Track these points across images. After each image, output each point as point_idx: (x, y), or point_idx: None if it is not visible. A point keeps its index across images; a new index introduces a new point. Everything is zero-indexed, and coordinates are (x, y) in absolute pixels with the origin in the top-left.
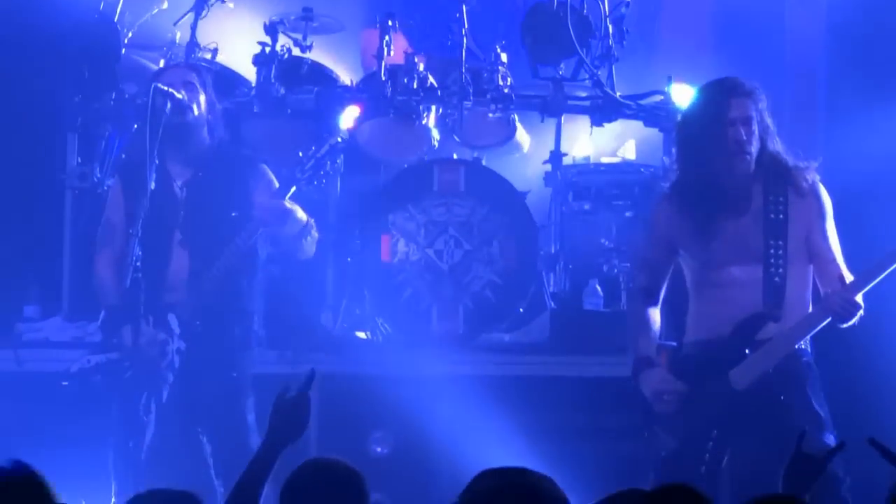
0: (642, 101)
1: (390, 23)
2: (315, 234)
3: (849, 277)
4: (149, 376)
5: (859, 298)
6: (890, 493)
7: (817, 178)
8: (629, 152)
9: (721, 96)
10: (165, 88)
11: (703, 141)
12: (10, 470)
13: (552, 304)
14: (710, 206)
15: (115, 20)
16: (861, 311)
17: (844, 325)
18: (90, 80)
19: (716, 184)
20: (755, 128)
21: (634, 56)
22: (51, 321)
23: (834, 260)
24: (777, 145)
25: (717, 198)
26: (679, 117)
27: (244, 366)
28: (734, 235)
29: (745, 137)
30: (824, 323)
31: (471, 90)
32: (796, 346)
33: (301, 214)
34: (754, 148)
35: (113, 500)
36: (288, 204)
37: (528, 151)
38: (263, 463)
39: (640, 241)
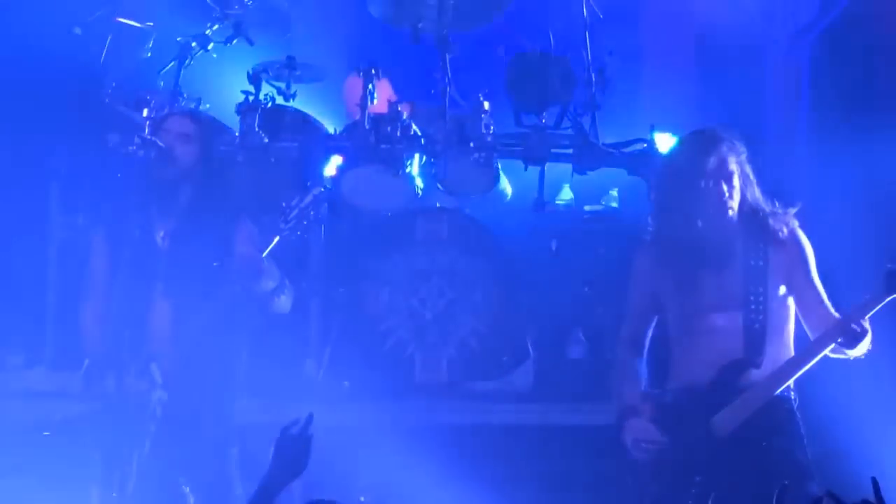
0: (625, 150)
1: (373, 71)
2: (289, 293)
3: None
4: (131, 427)
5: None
6: None
7: (796, 224)
8: (613, 200)
9: (701, 149)
10: (151, 139)
11: (684, 195)
12: None
13: (533, 352)
14: (691, 259)
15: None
16: (867, 338)
17: (852, 354)
18: (73, 130)
19: (697, 237)
20: (736, 182)
21: (617, 104)
22: (34, 371)
23: (822, 302)
24: (756, 194)
25: (699, 251)
26: (659, 169)
27: (228, 416)
28: (715, 285)
29: (726, 192)
30: (816, 360)
31: (454, 139)
32: (780, 392)
33: (275, 274)
34: (735, 202)
35: None
36: (265, 262)
37: (511, 199)
38: (264, 499)
39: (625, 291)
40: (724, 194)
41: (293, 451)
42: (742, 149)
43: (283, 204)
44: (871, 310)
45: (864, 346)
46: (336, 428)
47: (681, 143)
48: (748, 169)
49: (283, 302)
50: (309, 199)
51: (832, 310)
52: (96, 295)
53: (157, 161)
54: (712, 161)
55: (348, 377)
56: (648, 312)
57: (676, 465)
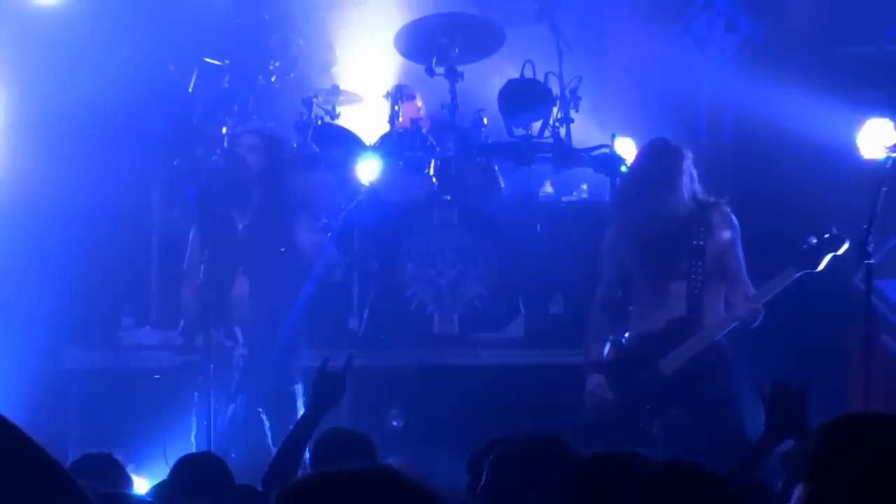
0: (592, 153)
1: (400, 95)
2: (339, 266)
3: (752, 291)
4: (220, 373)
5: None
6: (783, 456)
7: (728, 211)
8: (583, 192)
9: (658, 154)
10: (228, 151)
11: (645, 191)
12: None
13: (524, 309)
14: (649, 239)
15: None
16: (761, 316)
17: (749, 328)
18: (169, 144)
19: (654, 223)
20: (684, 179)
21: (586, 117)
22: (143, 329)
23: (742, 278)
24: (698, 188)
25: (655, 233)
26: (624, 169)
27: (292, 362)
28: (667, 260)
29: (676, 188)
30: (732, 326)
31: (461, 147)
32: (712, 341)
33: (330, 250)
34: (683, 195)
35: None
36: (321, 241)
37: (505, 192)
38: (307, 424)
39: (593, 262)
40: (674, 190)
41: (327, 387)
42: (687, 153)
43: (338, 206)
44: (770, 293)
45: (756, 321)
46: (374, 368)
47: (642, 150)
48: (692, 169)
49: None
50: (353, 204)
51: (749, 285)
52: (194, 276)
53: (233, 168)
54: (666, 164)
55: (382, 331)
56: (616, 279)
57: (631, 396)
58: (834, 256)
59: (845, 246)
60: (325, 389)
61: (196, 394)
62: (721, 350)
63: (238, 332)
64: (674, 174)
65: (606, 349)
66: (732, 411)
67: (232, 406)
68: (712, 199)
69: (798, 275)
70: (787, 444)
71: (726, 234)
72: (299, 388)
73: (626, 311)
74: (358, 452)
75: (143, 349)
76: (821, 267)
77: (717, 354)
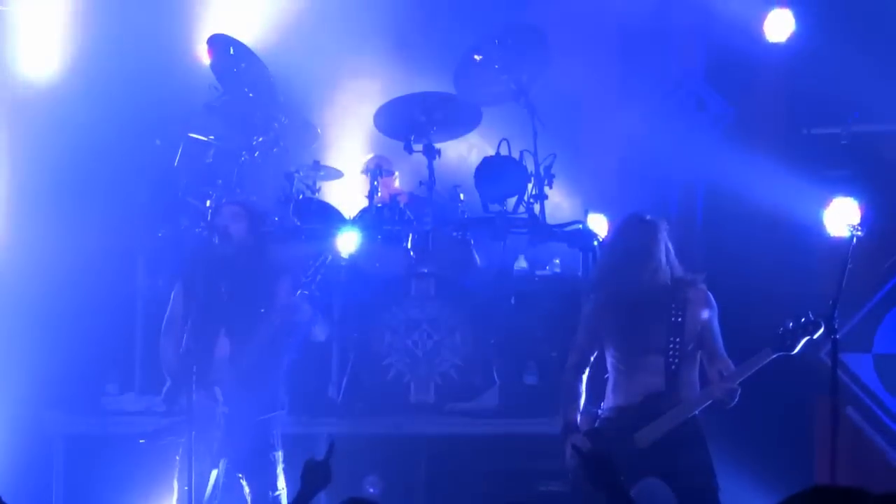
0: (566, 228)
1: (379, 171)
2: (322, 324)
3: (729, 367)
4: (202, 434)
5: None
6: None
7: (705, 289)
8: (556, 267)
9: (636, 229)
10: (211, 222)
11: (624, 264)
12: None
13: (498, 379)
14: (628, 312)
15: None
16: (737, 395)
17: (726, 408)
18: (155, 215)
19: (633, 297)
20: (661, 255)
21: (560, 194)
22: (126, 396)
23: (719, 354)
24: (675, 263)
25: (634, 307)
26: (602, 243)
27: (273, 424)
28: (645, 333)
29: (654, 262)
30: (707, 404)
31: (438, 221)
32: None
33: (307, 308)
34: (661, 270)
35: None
36: (299, 301)
37: (480, 266)
38: None
39: (567, 333)
40: (652, 263)
41: (317, 474)
42: (663, 225)
43: (308, 266)
44: (746, 373)
45: (733, 401)
46: (351, 436)
47: (619, 223)
48: (669, 244)
49: (318, 331)
50: (320, 261)
51: (726, 360)
52: (174, 334)
53: (217, 240)
54: (643, 237)
55: (360, 399)
56: (591, 348)
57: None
58: (809, 340)
59: (821, 331)
60: (310, 478)
61: (177, 458)
62: (694, 422)
63: (218, 391)
64: (651, 247)
65: (580, 419)
66: (707, 480)
67: (214, 470)
68: (689, 276)
69: (774, 356)
70: None
71: (704, 312)
72: (279, 455)
73: (596, 380)
74: None
75: (126, 415)
76: (796, 350)
77: (690, 427)
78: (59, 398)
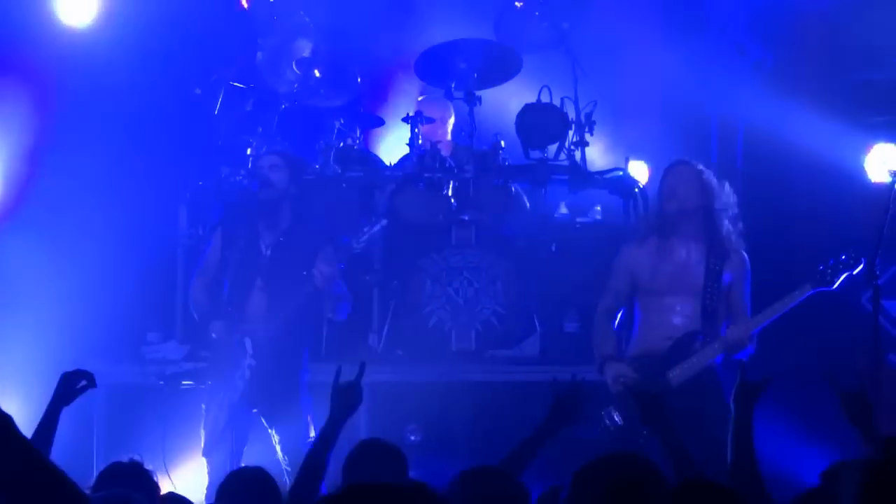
0: (607, 176)
1: (420, 119)
2: (348, 302)
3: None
4: (225, 383)
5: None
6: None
7: (743, 245)
8: (597, 214)
9: (668, 167)
10: (252, 170)
11: (667, 203)
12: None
13: (539, 327)
14: (669, 250)
15: (214, 118)
16: (749, 346)
17: (732, 357)
18: (196, 164)
19: (675, 234)
20: (684, 185)
21: (601, 141)
22: (168, 344)
23: (744, 314)
24: (724, 216)
25: (675, 245)
26: (637, 190)
27: (298, 377)
28: (683, 272)
29: (674, 188)
30: (721, 352)
31: (479, 168)
32: (709, 362)
33: (343, 289)
34: (680, 197)
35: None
36: (337, 276)
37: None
38: (328, 434)
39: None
40: (673, 196)
41: (343, 397)
42: (710, 174)
43: (361, 228)
44: (781, 310)
45: (741, 350)
46: (392, 384)
47: (667, 167)
48: (720, 197)
49: (342, 309)
50: (377, 227)
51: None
52: (206, 276)
53: (259, 187)
54: (672, 171)
55: (401, 347)
56: (624, 290)
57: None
58: (849, 276)
59: (861, 266)
60: (341, 400)
61: (203, 405)
62: (715, 372)
63: (248, 343)
64: (696, 191)
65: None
66: (725, 435)
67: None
68: (735, 239)
69: (812, 291)
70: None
71: (740, 270)
72: (308, 403)
73: (627, 322)
74: (390, 465)
75: (167, 363)
76: (836, 285)
77: (711, 376)
78: (101, 347)
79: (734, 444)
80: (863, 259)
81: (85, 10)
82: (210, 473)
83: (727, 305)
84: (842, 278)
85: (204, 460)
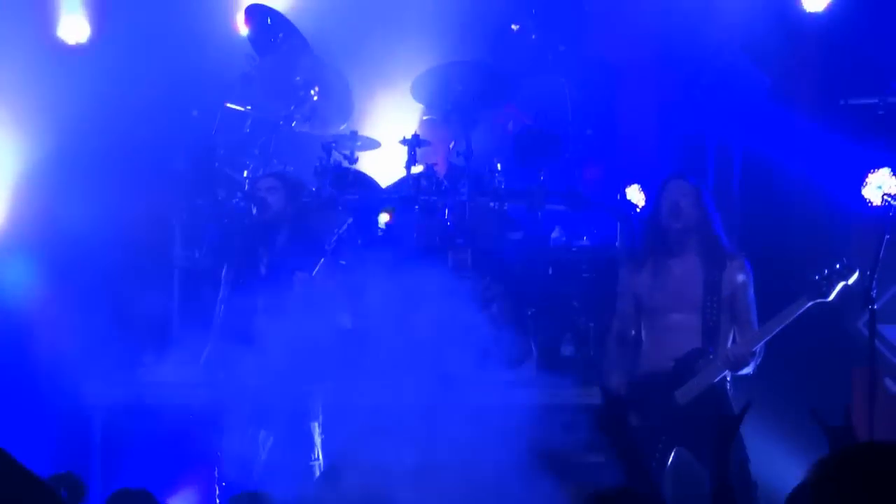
0: (602, 199)
1: (417, 142)
2: (350, 315)
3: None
4: (237, 403)
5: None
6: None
7: (743, 259)
8: (593, 237)
9: (668, 180)
10: (249, 193)
11: (663, 218)
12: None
13: (535, 350)
14: (665, 266)
15: (211, 140)
16: (751, 363)
17: (739, 373)
18: (192, 186)
19: (670, 249)
20: (687, 201)
21: (597, 164)
22: (163, 366)
23: (750, 325)
24: (718, 227)
25: (671, 260)
26: (638, 210)
27: (311, 395)
28: (681, 289)
29: (676, 204)
30: (727, 369)
31: (475, 191)
32: (718, 378)
33: (344, 301)
34: (702, 227)
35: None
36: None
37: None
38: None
39: (603, 305)
40: (691, 221)
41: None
42: (702, 188)
43: (329, 231)
44: (779, 326)
45: (745, 367)
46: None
47: (665, 181)
48: (712, 209)
49: (345, 319)
50: (343, 228)
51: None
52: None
53: (256, 210)
54: (685, 196)
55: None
56: (633, 312)
57: (646, 428)
58: (845, 286)
59: (856, 275)
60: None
61: (213, 428)
62: (724, 391)
63: (251, 364)
64: (691, 205)
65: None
66: (737, 452)
67: (243, 439)
68: (731, 249)
69: (810, 304)
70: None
71: (740, 277)
72: (316, 425)
73: (639, 345)
74: None
75: (163, 386)
76: (832, 296)
77: (721, 394)
78: (96, 369)
79: (714, 475)
80: (856, 267)
81: (84, 30)
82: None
83: (731, 316)
84: (837, 288)
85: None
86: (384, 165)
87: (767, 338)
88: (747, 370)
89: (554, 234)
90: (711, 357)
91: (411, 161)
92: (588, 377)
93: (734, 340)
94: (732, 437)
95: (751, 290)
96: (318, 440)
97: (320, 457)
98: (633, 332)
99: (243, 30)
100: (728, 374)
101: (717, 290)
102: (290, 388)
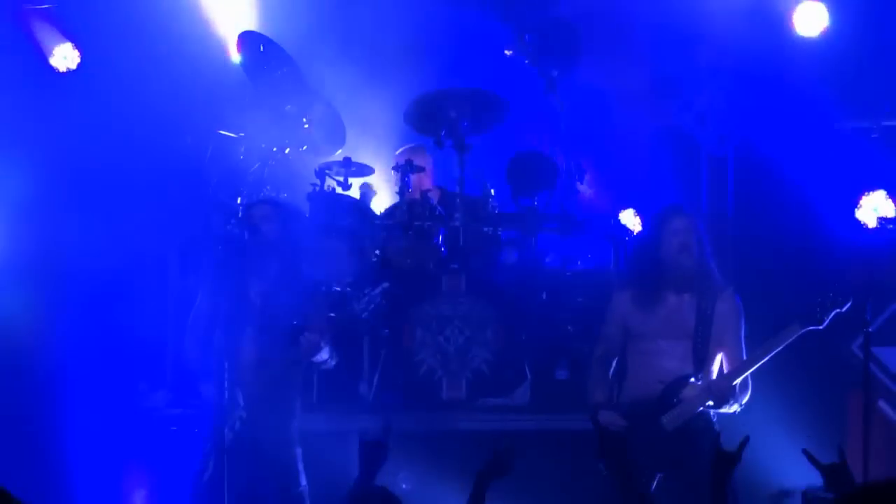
0: (596, 224)
1: (410, 167)
2: (334, 358)
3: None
4: (213, 433)
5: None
6: None
7: (733, 292)
8: (587, 261)
9: (670, 214)
10: (243, 219)
11: (657, 249)
12: None
13: (530, 375)
14: (659, 294)
15: (205, 167)
16: (731, 399)
17: (721, 410)
18: (186, 213)
19: (664, 279)
20: (693, 238)
21: (591, 188)
22: (158, 394)
23: (738, 356)
24: (709, 258)
25: (665, 289)
26: (639, 233)
27: (290, 429)
28: (674, 316)
29: (686, 243)
30: (708, 400)
31: (469, 217)
32: (702, 409)
33: (325, 354)
34: (696, 257)
35: None
36: (322, 344)
37: (511, 261)
38: (362, 487)
39: (597, 328)
40: (686, 251)
41: (377, 452)
42: (699, 220)
43: (364, 291)
44: (770, 353)
45: (726, 404)
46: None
47: (658, 211)
48: (705, 239)
49: (330, 363)
50: (378, 290)
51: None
52: (197, 329)
53: (249, 237)
54: (679, 226)
55: (392, 395)
56: (617, 338)
57: (633, 454)
58: (838, 314)
59: (849, 304)
60: (371, 456)
61: (188, 450)
62: (710, 418)
63: (239, 394)
64: (685, 235)
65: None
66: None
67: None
68: (721, 281)
69: (802, 331)
70: None
71: (731, 309)
72: (299, 453)
73: (622, 370)
74: None
75: (157, 412)
76: (824, 324)
77: (706, 422)
78: (91, 395)
79: None
80: (850, 296)
81: (76, 58)
82: None
83: (720, 347)
84: (830, 316)
85: None
86: (378, 191)
87: (757, 366)
88: (735, 408)
89: (549, 259)
90: (699, 384)
91: (404, 187)
92: (583, 402)
93: (721, 372)
94: (731, 473)
95: (741, 326)
96: (301, 467)
97: (305, 485)
98: (617, 357)
99: (236, 57)
100: (712, 411)
101: (709, 320)
102: (278, 418)
